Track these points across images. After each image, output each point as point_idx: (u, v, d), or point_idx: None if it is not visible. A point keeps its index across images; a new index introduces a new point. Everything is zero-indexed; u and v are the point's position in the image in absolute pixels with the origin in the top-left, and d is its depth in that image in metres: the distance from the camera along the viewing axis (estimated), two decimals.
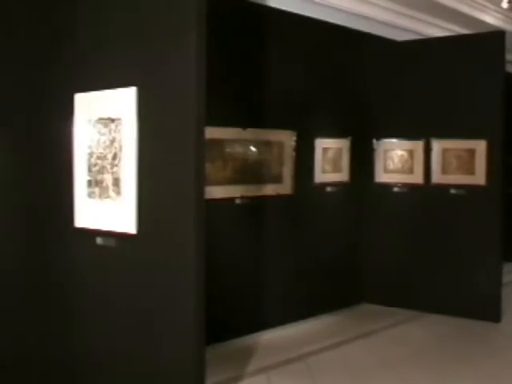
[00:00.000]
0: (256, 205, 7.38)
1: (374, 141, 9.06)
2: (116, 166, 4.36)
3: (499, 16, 9.99)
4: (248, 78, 7.31)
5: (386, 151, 9.04)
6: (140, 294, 4.33)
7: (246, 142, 7.27)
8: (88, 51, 4.67)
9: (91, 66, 4.64)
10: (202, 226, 4.01)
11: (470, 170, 8.45)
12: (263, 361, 6.64)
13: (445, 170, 8.61)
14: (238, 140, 7.14)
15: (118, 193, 4.36)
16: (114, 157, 4.37)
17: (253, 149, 7.33)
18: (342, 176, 8.72)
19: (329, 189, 8.49)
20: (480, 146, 8.36)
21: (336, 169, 8.60)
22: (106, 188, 4.45)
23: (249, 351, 6.93)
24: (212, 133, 6.09)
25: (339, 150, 8.64)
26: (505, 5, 9.34)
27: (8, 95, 4.97)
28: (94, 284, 4.69)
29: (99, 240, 4.55)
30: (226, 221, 7.00)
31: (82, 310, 4.79)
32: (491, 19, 9.89)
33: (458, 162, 8.51)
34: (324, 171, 8.40)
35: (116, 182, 4.37)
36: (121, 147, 4.33)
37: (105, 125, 4.45)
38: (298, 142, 7.84)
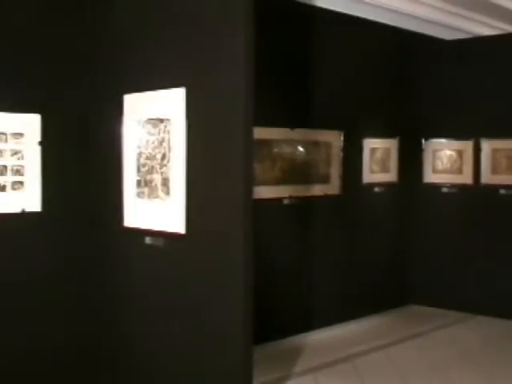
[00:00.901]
0: (304, 205, 7.37)
1: (423, 141, 8.99)
2: (165, 166, 4.40)
3: None
4: (296, 78, 7.30)
5: (434, 151, 8.96)
6: (188, 294, 4.36)
7: (294, 143, 7.27)
8: (137, 52, 4.72)
9: (140, 67, 4.68)
10: (250, 226, 4.02)
11: None
12: (310, 361, 6.63)
13: (494, 171, 8.50)
14: (285, 140, 7.14)
15: (167, 193, 4.39)
16: (163, 157, 4.40)
17: (300, 149, 7.33)
18: (390, 176, 8.67)
19: (377, 189, 8.44)
20: None
21: (384, 169, 8.56)
22: (155, 188, 4.48)
23: (296, 351, 6.93)
24: (260, 133, 6.10)
25: (387, 150, 8.60)
26: None
27: (58, 95, 5.03)
28: (142, 283, 4.74)
29: (148, 240, 4.59)
30: (274, 221, 7.00)
31: (131, 309, 4.84)
32: None
33: (508, 162, 8.40)
34: (372, 171, 8.36)
35: (165, 182, 4.40)
36: (170, 147, 4.36)
37: (154, 125, 4.49)
38: (345, 142, 7.82)
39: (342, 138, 7.77)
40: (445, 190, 8.87)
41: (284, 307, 7.19)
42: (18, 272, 4.86)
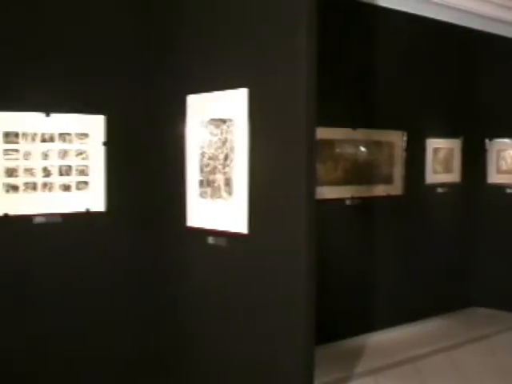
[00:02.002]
0: (366, 205, 7.33)
1: (487, 141, 8.85)
2: (228, 166, 4.41)
3: None
4: (358, 77, 7.27)
5: (498, 151, 8.82)
6: (250, 294, 4.37)
7: (356, 143, 7.23)
8: (200, 53, 4.74)
9: (203, 68, 4.71)
10: (312, 226, 4.00)
11: None
12: (372, 362, 6.59)
13: None
14: (348, 140, 7.11)
15: (230, 193, 4.41)
16: (226, 157, 4.42)
17: (363, 149, 7.29)
18: (453, 177, 8.58)
19: (439, 189, 8.35)
20: None
21: (447, 169, 8.46)
22: (218, 188, 4.50)
23: (358, 352, 6.89)
24: (322, 133, 6.09)
25: (450, 151, 8.50)
26: None
27: (123, 96, 5.08)
28: (204, 282, 4.76)
29: (211, 239, 4.61)
30: (337, 221, 6.97)
31: (193, 308, 4.87)
32: None
33: None
34: (435, 172, 8.28)
35: (228, 182, 4.42)
36: (232, 148, 4.38)
37: (216, 126, 4.51)
38: (408, 142, 7.75)
39: (404, 138, 7.70)
40: (509, 190, 8.72)
41: (345, 308, 7.15)
42: (81, 271, 4.94)
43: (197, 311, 4.84)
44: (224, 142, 4.44)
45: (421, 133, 8.00)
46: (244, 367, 4.45)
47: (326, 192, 6.74)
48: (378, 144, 7.46)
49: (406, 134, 7.71)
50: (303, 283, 4.00)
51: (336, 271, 6.89)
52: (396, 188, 7.69)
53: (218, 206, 4.52)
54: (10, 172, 4.63)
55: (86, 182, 4.91)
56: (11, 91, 4.63)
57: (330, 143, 6.90)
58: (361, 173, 7.28)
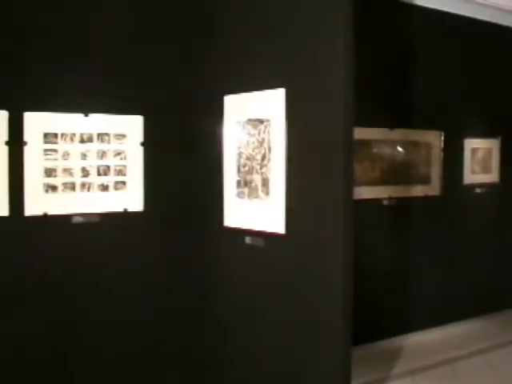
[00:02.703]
0: (403, 205, 7.29)
1: None
2: (265, 166, 4.41)
3: None
4: (395, 77, 7.23)
5: None
6: (287, 294, 4.37)
7: (394, 143, 7.20)
8: (238, 53, 4.75)
9: (240, 68, 4.71)
10: (350, 226, 3.99)
11: None
12: (409, 363, 6.55)
13: None
14: (385, 140, 7.08)
15: (267, 193, 4.41)
16: (263, 157, 4.42)
17: (400, 149, 7.26)
18: (492, 177, 8.49)
19: (478, 190, 8.28)
20: None
21: (485, 169, 8.38)
22: (255, 188, 4.51)
23: (395, 353, 6.86)
24: (359, 133, 6.07)
25: (489, 151, 8.42)
26: None
27: (160, 97, 5.11)
28: (241, 282, 4.77)
29: (248, 239, 4.61)
30: (374, 221, 6.94)
31: (230, 308, 4.88)
32: None
33: None
34: (473, 172, 8.20)
35: (265, 183, 4.42)
36: (270, 148, 4.38)
37: (254, 126, 4.52)
38: (446, 142, 7.69)
39: (442, 138, 7.65)
40: None
41: (383, 308, 7.12)
42: (119, 271, 4.97)
43: (234, 311, 4.85)
44: (261, 143, 4.44)
45: (459, 133, 7.93)
46: (281, 368, 4.44)
47: (363, 192, 6.72)
48: (415, 144, 7.42)
49: (443, 133, 7.66)
50: (340, 283, 3.99)
51: (373, 271, 6.86)
52: (434, 188, 7.64)
53: (255, 206, 4.52)
54: (49, 172, 4.68)
55: (123, 182, 4.95)
56: (50, 92, 4.68)
57: (367, 143, 6.87)
58: (398, 173, 7.24)
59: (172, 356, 5.17)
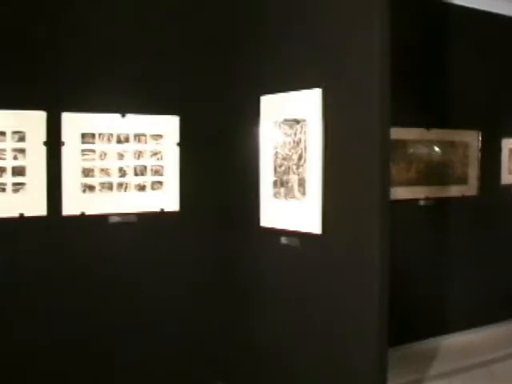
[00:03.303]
0: (440, 206, 7.23)
1: None
2: (301, 166, 4.41)
3: None
4: (432, 77, 7.18)
5: None
6: (323, 294, 4.36)
7: (430, 143, 7.15)
8: (274, 53, 4.75)
9: (277, 68, 4.72)
10: (386, 226, 3.98)
11: None
12: (445, 365, 6.49)
13: None
14: (421, 141, 7.03)
15: (303, 193, 4.40)
16: (300, 158, 4.42)
17: (437, 149, 7.21)
18: None
19: None
20: None
21: None
22: (292, 188, 4.50)
23: (431, 355, 6.80)
24: (396, 133, 6.03)
25: None
26: None
27: (197, 97, 5.13)
28: (277, 282, 4.77)
29: (284, 239, 4.61)
30: (410, 221, 6.90)
31: (265, 308, 4.88)
32: None
33: None
34: (511, 172, 8.12)
35: (301, 183, 4.42)
36: (306, 148, 4.37)
37: (290, 126, 4.51)
38: (483, 142, 7.62)
39: (479, 138, 7.58)
40: None
41: (419, 310, 7.07)
42: (155, 270, 5.00)
43: (269, 311, 4.86)
44: (298, 143, 4.44)
45: (496, 132, 7.85)
46: (317, 368, 4.44)
47: (400, 192, 6.68)
48: (452, 144, 7.36)
49: (481, 133, 7.59)
50: (376, 284, 3.98)
51: (409, 272, 6.82)
52: (471, 189, 7.57)
53: (292, 206, 4.52)
54: (87, 172, 4.72)
55: (160, 182, 4.98)
56: (88, 92, 4.72)
57: (403, 143, 6.83)
58: (434, 173, 7.18)
59: (204, 355, 5.20)
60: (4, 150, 4.47)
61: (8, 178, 4.49)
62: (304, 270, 4.51)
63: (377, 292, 3.99)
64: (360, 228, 4.07)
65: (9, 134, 4.48)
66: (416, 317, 7.02)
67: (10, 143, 4.49)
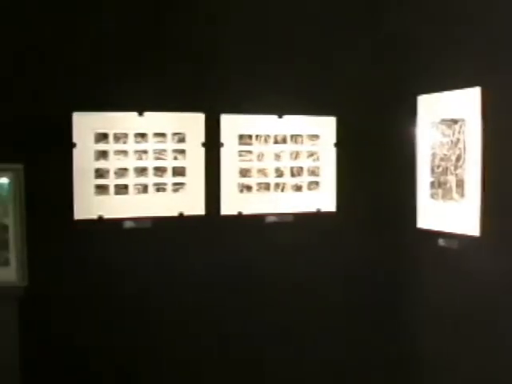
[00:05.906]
0: None
1: None
2: (460, 167, 4.31)
3: None
4: None
5: None
6: (483, 300, 4.23)
7: None
8: (431, 52, 4.67)
9: (434, 67, 4.63)
10: None
11: None
12: None
13: None
14: None
15: (462, 194, 4.30)
16: (458, 158, 4.32)
17: None
18: None
19: None
20: None
21: None
22: (450, 189, 4.41)
23: None
24: None
25: None
26: None
27: (353, 97, 5.11)
28: (435, 285, 4.69)
29: (441, 241, 4.52)
30: None
31: (422, 311, 4.81)
32: None
33: None
34: None
35: (459, 184, 4.32)
36: (465, 148, 4.27)
37: (448, 126, 4.42)
38: None
39: None
40: None
41: None
42: (312, 271, 5.03)
43: (426, 314, 4.79)
44: (456, 143, 4.34)
45: None
46: (471, 381, 4.32)
47: None
48: None
49: None
50: None
51: None
52: None
53: (449, 208, 4.42)
54: (244, 172, 4.80)
55: (316, 183, 4.99)
56: (245, 94, 4.80)
57: None
58: None
59: (359, 357, 5.18)
60: (165, 151, 4.63)
61: (168, 178, 4.65)
62: (462, 273, 4.37)
63: None
64: None
65: (169, 136, 4.63)
66: None
67: (170, 144, 4.64)
